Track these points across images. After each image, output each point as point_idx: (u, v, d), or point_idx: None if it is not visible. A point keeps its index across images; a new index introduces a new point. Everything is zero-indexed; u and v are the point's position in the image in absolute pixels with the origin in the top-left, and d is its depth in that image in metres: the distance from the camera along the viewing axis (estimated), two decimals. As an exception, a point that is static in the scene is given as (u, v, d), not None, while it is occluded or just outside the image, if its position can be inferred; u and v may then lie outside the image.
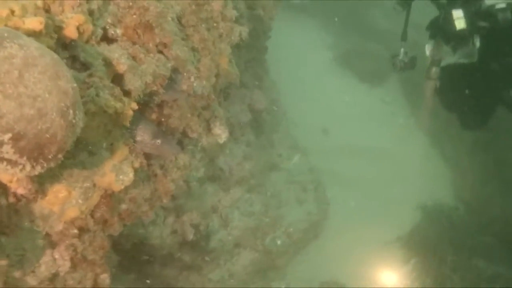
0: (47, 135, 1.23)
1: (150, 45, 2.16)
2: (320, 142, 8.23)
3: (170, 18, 2.22)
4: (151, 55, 2.07)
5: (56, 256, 2.04)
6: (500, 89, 3.67)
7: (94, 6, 1.88)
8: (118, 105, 1.82)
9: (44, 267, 1.97)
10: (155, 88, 2.04)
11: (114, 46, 1.91)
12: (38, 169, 1.28)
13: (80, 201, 1.94)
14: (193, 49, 2.50)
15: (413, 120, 9.00)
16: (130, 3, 2.08)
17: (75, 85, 1.34)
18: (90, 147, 1.91)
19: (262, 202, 5.41)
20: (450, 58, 4.14)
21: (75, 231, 2.00)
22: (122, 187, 2.00)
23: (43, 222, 1.89)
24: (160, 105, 2.46)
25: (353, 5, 12.14)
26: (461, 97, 4.01)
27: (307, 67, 10.23)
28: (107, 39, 2.00)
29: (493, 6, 3.48)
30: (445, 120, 7.63)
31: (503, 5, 3.46)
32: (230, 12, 2.70)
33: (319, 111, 8.96)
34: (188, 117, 2.61)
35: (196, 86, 2.47)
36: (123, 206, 2.29)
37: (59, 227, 1.93)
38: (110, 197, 2.10)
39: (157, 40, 2.15)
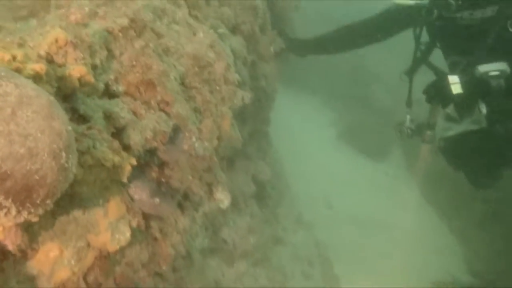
0: (36, 177, 1.17)
1: (152, 102, 2.15)
2: (325, 216, 8.09)
3: (172, 77, 2.24)
4: (152, 111, 2.06)
5: (43, 324, 1.88)
6: (508, 152, 3.64)
7: (97, 61, 1.89)
8: (116, 159, 1.76)
9: (28, 336, 1.81)
10: (155, 144, 2.00)
11: (115, 100, 1.89)
12: (25, 215, 1.20)
13: (72, 261, 1.82)
14: (195, 110, 2.49)
15: (417, 192, 8.92)
16: (134, 62, 2.10)
17: (69, 128, 1.30)
18: (85, 203, 1.83)
19: (268, 277, 5.17)
20: (459, 127, 4.13)
21: (65, 295, 1.86)
22: (118, 247, 1.89)
23: (31, 284, 1.76)
24: (161, 166, 2.41)
25: (355, 81, 12.51)
26: (469, 156, 3.95)
27: (310, 143, 10.37)
28: (108, 94, 1.99)
29: (486, 73, 3.54)
30: (451, 191, 7.55)
31: (496, 73, 3.52)
32: (232, 76, 2.73)
33: (323, 186, 8.95)
34: (189, 179, 2.54)
35: (198, 147, 2.43)
36: (118, 270, 2.16)
37: (48, 290, 1.80)
38: (105, 259, 1.98)
39: (159, 98, 2.15)
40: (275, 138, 7.63)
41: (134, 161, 1.89)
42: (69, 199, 1.80)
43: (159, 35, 2.36)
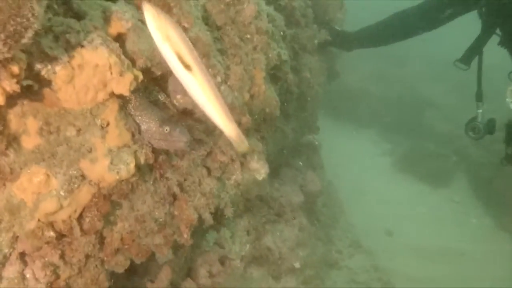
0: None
1: (166, 26, 1.84)
2: (384, 243, 7.42)
3: (192, 3, 1.94)
4: (164, 27, 1.73)
5: (27, 275, 1.52)
6: None
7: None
8: (113, 59, 1.44)
9: (5, 283, 1.45)
10: (165, 59, 1.65)
11: (119, 2, 1.59)
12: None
13: (62, 192, 1.48)
14: (221, 52, 2.17)
15: (488, 219, 8.10)
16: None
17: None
18: (78, 120, 1.50)
19: (321, 298, 4.58)
20: None
21: (51, 233, 1.50)
22: (117, 177, 1.53)
23: (10, 216, 1.43)
24: (183, 113, 2.07)
25: (408, 110, 11.98)
26: None
27: (364, 172, 9.87)
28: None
29: None
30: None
31: None
32: (265, 25, 2.40)
33: (381, 213, 8.37)
34: (215, 133, 2.18)
35: (224, 91, 2.08)
36: (127, 226, 1.78)
37: (31, 225, 1.45)
38: (105, 200, 1.62)
39: (174, 20, 1.84)
40: (328, 168, 7.22)
41: (140, 75, 1.56)
42: (58, 116, 1.48)
43: (178, -34, 2.09)
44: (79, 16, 1.48)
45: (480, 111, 4.01)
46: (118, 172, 1.52)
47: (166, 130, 1.67)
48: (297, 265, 4.60)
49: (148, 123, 1.67)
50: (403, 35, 4.32)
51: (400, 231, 7.84)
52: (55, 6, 1.43)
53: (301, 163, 5.50)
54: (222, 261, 3.62)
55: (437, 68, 14.79)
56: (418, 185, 9.66)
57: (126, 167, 1.55)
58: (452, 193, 9.29)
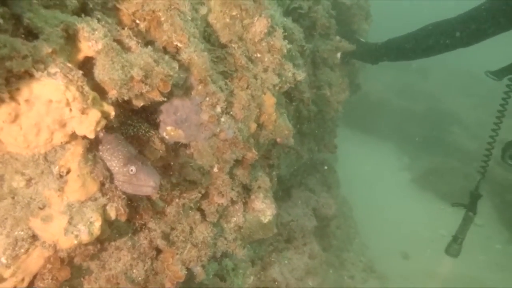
0: None
1: (155, 45, 1.50)
2: (400, 267, 7.03)
3: (188, 17, 1.59)
4: (149, 48, 1.39)
5: None
6: None
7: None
8: (72, 93, 1.10)
9: None
10: (146, 90, 1.30)
11: (87, 18, 1.25)
12: None
13: (3, 259, 1.14)
14: (224, 75, 1.81)
15: (515, 244, 7.64)
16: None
17: None
18: (28, 167, 1.16)
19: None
20: None
21: (-15, 315, 1.17)
22: (75, 242, 1.19)
23: None
24: (173, 150, 1.72)
25: (432, 124, 11.52)
26: None
27: (382, 188, 9.49)
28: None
29: None
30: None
31: None
32: (279, 42, 2.03)
33: (397, 234, 8.01)
34: (213, 172, 1.83)
35: (225, 123, 1.72)
36: (94, 289, 1.44)
37: (-43, 303, 1.12)
38: (63, 264, 1.28)
39: (164, 38, 1.49)
40: (343, 183, 6.85)
41: (111, 110, 1.22)
42: (1, 159, 1.15)
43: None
44: (32, 34, 1.14)
45: None
46: (77, 236, 1.18)
47: (131, 171, 1.32)
48: (305, 297, 4.24)
49: (110, 161, 1.32)
50: (438, 49, 3.79)
51: (417, 255, 7.47)
52: (0, 21, 1.09)
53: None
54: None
55: (463, 81, 14.23)
56: (439, 204, 9.26)
57: (89, 228, 1.21)
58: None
